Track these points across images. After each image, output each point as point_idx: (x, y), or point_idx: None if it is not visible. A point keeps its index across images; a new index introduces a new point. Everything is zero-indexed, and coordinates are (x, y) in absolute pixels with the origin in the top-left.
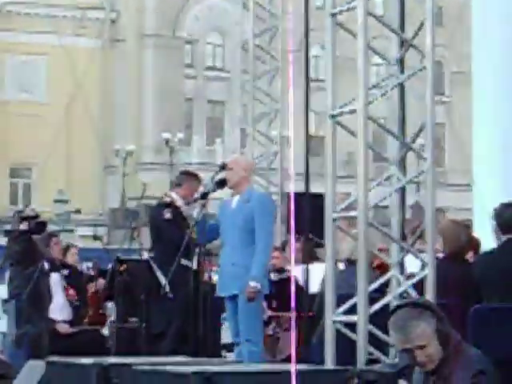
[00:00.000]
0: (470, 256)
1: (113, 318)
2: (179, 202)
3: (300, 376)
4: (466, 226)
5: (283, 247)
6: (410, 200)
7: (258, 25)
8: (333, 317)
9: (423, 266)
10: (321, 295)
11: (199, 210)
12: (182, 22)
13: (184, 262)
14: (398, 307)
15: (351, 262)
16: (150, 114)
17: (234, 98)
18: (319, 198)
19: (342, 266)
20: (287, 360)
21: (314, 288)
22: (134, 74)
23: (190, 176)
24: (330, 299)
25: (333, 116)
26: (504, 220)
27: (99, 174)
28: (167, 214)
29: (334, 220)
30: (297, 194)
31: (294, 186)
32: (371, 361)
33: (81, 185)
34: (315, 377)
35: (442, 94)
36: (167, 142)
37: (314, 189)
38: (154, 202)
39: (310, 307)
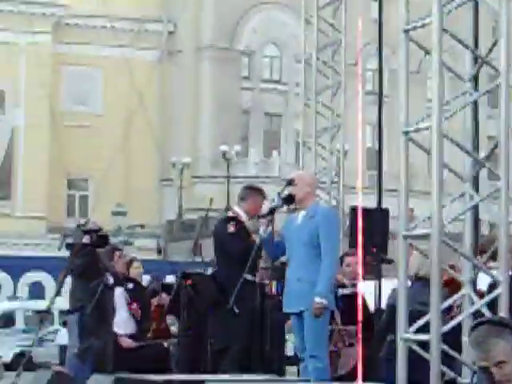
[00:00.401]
0: None
1: (176, 332)
2: (243, 217)
3: None
4: None
5: (341, 260)
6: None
7: (320, 38)
8: (405, 335)
9: (493, 285)
10: (389, 311)
11: (265, 227)
12: (240, 34)
13: (249, 276)
14: (478, 324)
15: (418, 278)
16: (207, 127)
17: (290, 111)
18: (383, 212)
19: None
20: (349, 375)
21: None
22: (192, 85)
23: (255, 191)
24: (402, 317)
25: (406, 133)
26: None
27: (156, 187)
28: (231, 228)
29: (406, 237)
30: (361, 210)
31: (361, 201)
32: (446, 382)
33: (138, 197)
34: None
35: None
36: (224, 154)
37: (374, 203)
38: (210, 215)
39: (372, 324)
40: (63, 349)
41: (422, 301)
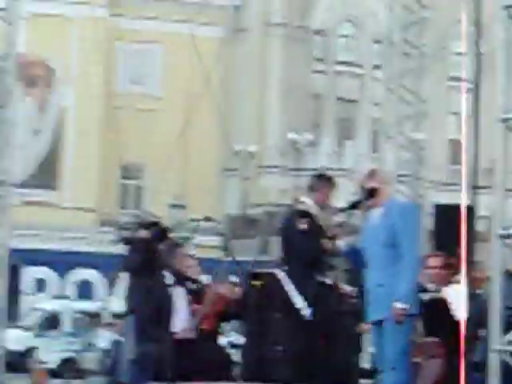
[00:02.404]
0: None
1: (241, 340)
2: (314, 210)
3: None
4: None
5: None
6: None
7: (404, 15)
8: (498, 346)
9: None
10: (474, 319)
11: (345, 238)
12: (313, 11)
13: (325, 279)
14: None
15: (510, 274)
16: (275, 112)
17: (367, 97)
18: (470, 211)
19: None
20: None
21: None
22: (258, 67)
23: (325, 180)
24: (494, 325)
25: (505, 120)
26: None
27: (217, 178)
28: (303, 225)
29: (502, 237)
30: (442, 206)
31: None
32: None
33: (197, 189)
34: None
35: None
36: (293, 143)
37: (454, 200)
38: (275, 209)
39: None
40: (107, 353)
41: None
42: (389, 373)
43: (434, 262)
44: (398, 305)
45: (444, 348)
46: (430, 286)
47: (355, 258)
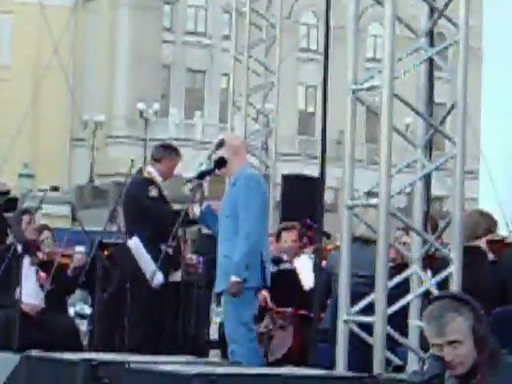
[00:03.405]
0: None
1: (90, 310)
2: (158, 180)
3: (309, 382)
4: (490, 217)
5: (278, 235)
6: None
7: None
8: (346, 316)
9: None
10: (326, 280)
11: (198, 205)
12: None
13: (168, 249)
14: (436, 298)
15: (354, 239)
16: (123, 82)
17: (216, 67)
18: (312, 180)
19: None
20: (281, 361)
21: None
22: (107, 36)
23: (170, 150)
24: (344, 295)
25: (354, 91)
26: None
27: (66, 148)
28: (152, 192)
29: (351, 208)
30: (289, 177)
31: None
32: (394, 368)
33: (46, 159)
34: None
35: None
36: (141, 113)
37: (303, 171)
38: (124, 180)
39: (305, 304)
40: None
41: (359, 263)
42: (229, 343)
43: (289, 235)
44: (232, 277)
45: (294, 318)
46: (284, 257)
47: (210, 225)
